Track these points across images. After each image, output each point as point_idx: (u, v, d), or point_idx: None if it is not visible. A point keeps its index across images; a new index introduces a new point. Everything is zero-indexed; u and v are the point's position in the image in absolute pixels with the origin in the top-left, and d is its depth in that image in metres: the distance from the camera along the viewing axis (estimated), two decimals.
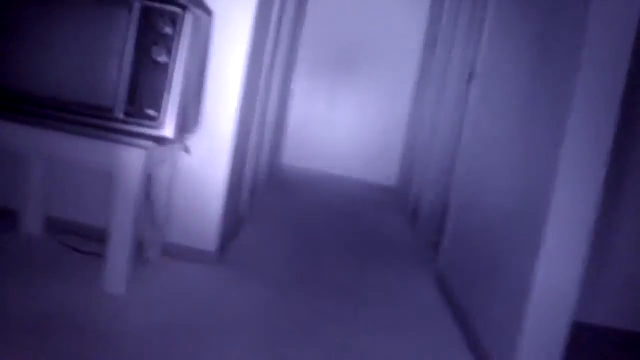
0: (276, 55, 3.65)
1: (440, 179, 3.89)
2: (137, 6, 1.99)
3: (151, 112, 1.99)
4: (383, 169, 5.42)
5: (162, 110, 2.00)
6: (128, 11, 1.98)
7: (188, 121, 2.21)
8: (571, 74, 1.84)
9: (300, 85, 5.35)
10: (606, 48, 1.77)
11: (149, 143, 2.00)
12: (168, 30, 2.00)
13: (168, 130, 2.02)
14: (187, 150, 2.45)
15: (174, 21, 2.00)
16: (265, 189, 4.39)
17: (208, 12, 2.38)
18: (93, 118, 1.98)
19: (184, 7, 2.01)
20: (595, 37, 1.77)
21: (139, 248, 2.43)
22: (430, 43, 4.88)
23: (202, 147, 2.50)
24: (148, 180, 2.36)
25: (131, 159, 1.96)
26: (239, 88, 2.50)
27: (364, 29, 5.33)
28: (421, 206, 4.01)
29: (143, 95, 1.99)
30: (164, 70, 2.00)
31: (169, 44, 2.00)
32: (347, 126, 5.44)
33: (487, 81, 2.94)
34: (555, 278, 1.84)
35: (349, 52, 5.37)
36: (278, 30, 3.43)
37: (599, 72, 1.78)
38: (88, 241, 2.52)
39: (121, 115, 1.99)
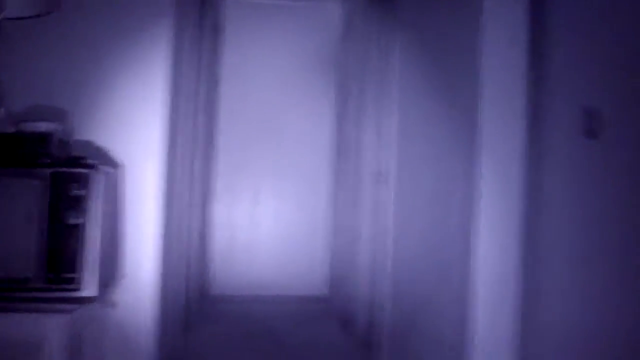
0: (192, 190, 3.74)
1: (368, 280, 3.98)
2: (47, 174, 2.05)
3: (71, 275, 2.01)
4: (313, 280, 5.46)
5: (81, 271, 2.02)
6: (40, 180, 2.04)
7: (109, 276, 2.24)
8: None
9: (219, 209, 5.42)
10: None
11: (72, 306, 2.01)
12: (78, 191, 2.06)
13: (90, 289, 2.04)
14: (113, 304, 2.45)
15: (85, 182, 2.07)
16: (198, 320, 4.34)
17: (115, 165, 2.46)
18: (12, 292, 1.97)
19: (92, 167, 2.09)
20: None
21: None
22: (340, 144, 5.10)
23: (128, 297, 2.50)
24: (78, 344, 2.33)
25: (56, 325, 1.95)
26: (157, 231, 2.56)
27: (275, 140, 5.51)
28: (353, 310, 4.06)
29: (61, 260, 2.02)
30: (77, 231, 2.05)
31: (80, 205, 2.06)
32: (271, 244, 5.51)
33: (400, 180, 3.11)
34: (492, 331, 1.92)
35: (265, 165, 5.51)
36: (192, 167, 3.54)
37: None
38: None
39: (40, 284, 2.00)
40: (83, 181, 2.06)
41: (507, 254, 2.00)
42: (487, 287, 1.98)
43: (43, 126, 2.21)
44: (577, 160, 2.27)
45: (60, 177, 2.06)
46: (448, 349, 2.15)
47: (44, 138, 2.15)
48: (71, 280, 2.01)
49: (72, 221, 2.03)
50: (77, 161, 2.12)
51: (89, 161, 2.13)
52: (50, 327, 1.94)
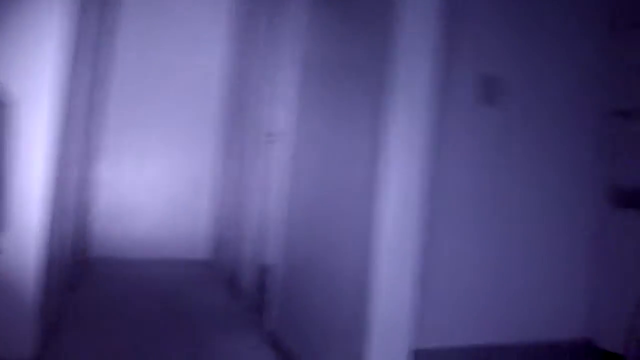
0: (76, 142, 3.55)
1: (255, 242, 3.99)
2: None
3: None
4: (198, 244, 5.40)
5: None
6: None
7: None
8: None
9: (104, 167, 5.19)
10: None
11: None
12: None
13: None
14: None
15: None
16: (77, 282, 4.16)
17: (3, 104, 2.29)
18: None
19: None
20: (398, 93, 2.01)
21: None
22: (231, 102, 5.04)
23: (12, 243, 2.35)
24: None
25: None
26: (47, 176, 2.41)
27: (163, 100, 5.35)
28: (239, 273, 4.06)
29: None
30: None
31: None
32: (155, 206, 5.36)
33: (297, 139, 3.12)
34: (389, 309, 1.99)
35: (152, 126, 5.35)
36: (78, 115, 3.35)
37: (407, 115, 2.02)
38: None
39: None
40: None
41: (410, 208, 2.07)
42: (390, 242, 2.04)
43: None
44: (475, 122, 2.41)
45: None
46: (346, 303, 2.21)
47: None
48: None
49: None
50: None
51: None
52: None
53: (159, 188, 5.39)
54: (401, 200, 2.06)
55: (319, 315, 2.47)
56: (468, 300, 2.55)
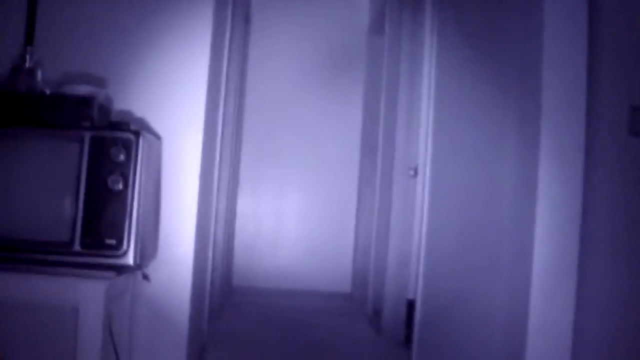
0: (222, 173, 3.66)
1: (398, 275, 3.88)
2: (88, 137, 1.97)
3: (111, 241, 1.93)
4: (336, 276, 5.37)
5: (122, 238, 1.94)
6: (80, 143, 1.95)
7: (147, 248, 2.14)
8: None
9: (244, 199, 5.34)
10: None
11: (110, 274, 1.92)
12: (122, 157, 1.97)
13: (129, 258, 1.95)
14: (147, 277, 2.36)
15: (127, 148, 1.98)
16: (221, 310, 4.25)
17: (158, 136, 2.38)
18: (50, 254, 1.89)
19: (136, 133, 2.00)
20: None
21: None
22: (369, 138, 5.02)
23: (162, 273, 2.41)
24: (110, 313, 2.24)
25: (93, 291, 1.86)
26: (195, 211, 2.47)
27: (301, 131, 5.44)
28: (382, 306, 3.96)
29: (101, 226, 1.93)
30: (120, 197, 1.96)
31: (124, 171, 1.97)
32: (295, 238, 5.42)
33: (435, 175, 3.03)
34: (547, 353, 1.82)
35: (291, 156, 5.44)
36: (222, 148, 3.46)
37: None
38: None
39: (79, 248, 1.91)
40: (126, 147, 1.97)
41: (564, 251, 1.91)
42: (544, 286, 1.89)
43: (84, 89, 2.13)
44: (622, 157, 2.19)
45: (101, 142, 1.97)
46: (497, 343, 2.06)
47: (86, 101, 2.06)
48: (110, 247, 1.92)
49: (114, 187, 1.94)
50: (120, 126, 2.04)
51: (132, 127, 2.05)
52: (87, 294, 1.85)
53: (299, 219, 5.45)
54: (557, 236, 1.89)
55: (467, 352, 2.31)
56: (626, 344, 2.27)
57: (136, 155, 1.98)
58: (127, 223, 1.94)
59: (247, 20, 4.95)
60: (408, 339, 3.51)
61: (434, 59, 3.20)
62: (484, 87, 2.52)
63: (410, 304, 3.54)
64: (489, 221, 2.31)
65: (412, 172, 3.63)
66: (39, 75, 2.21)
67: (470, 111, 2.64)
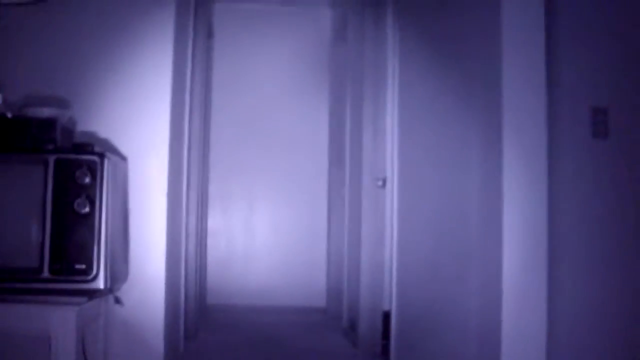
0: (190, 191, 3.62)
1: (372, 288, 3.87)
2: (52, 160, 1.93)
3: (80, 266, 1.89)
4: (310, 291, 5.34)
5: (91, 262, 1.90)
6: (44, 166, 1.92)
7: (117, 271, 2.11)
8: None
9: (213, 215, 5.29)
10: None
11: (81, 299, 1.88)
12: (87, 180, 1.94)
13: (99, 282, 1.91)
14: (119, 301, 2.32)
15: (93, 170, 1.95)
16: (197, 329, 4.20)
17: (123, 157, 2.35)
18: (19, 282, 1.84)
19: (101, 155, 1.97)
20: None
21: None
22: (336, 149, 5.02)
23: (134, 295, 2.37)
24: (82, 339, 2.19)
25: (64, 318, 1.82)
26: (164, 230, 2.44)
27: (269, 145, 5.41)
28: (357, 319, 3.95)
29: (70, 250, 1.89)
30: (88, 221, 1.93)
31: (90, 193, 1.94)
32: (268, 253, 5.39)
33: (403, 183, 3.04)
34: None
35: (259, 171, 5.41)
36: (189, 166, 3.42)
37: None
38: None
39: (48, 275, 1.87)
40: (91, 169, 1.94)
41: (533, 255, 1.93)
42: (516, 291, 1.91)
43: (47, 112, 2.10)
44: (586, 159, 2.22)
45: (66, 164, 1.93)
46: (471, 352, 2.07)
47: (49, 124, 2.02)
48: (80, 272, 1.88)
49: (81, 210, 1.91)
50: (84, 148, 2.01)
51: (97, 149, 2.02)
52: (58, 321, 1.81)
53: (271, 234, 5.41)
54: (525, 240, 1.92)
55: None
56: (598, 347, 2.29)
57: (102, 178, 1.95)
58: (95, 247, 1.90)
59: (210, 35, 4.93)
60: (385, 351, 3.50)
61: (397, 66, 3.23)
62: (447, 92, 2.55)
63: (386, 315, 3.54)
64: (459, 229, 2.33)
65: (380, 183, 3.64)
66: (0, 98, 2.17)
67: (435, 118, 2.67)
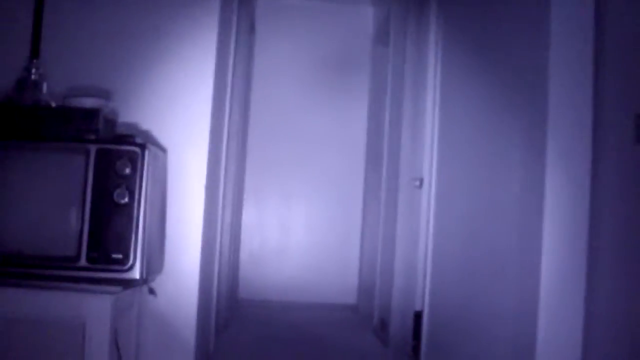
0: (227, 185, 3.64)
1: (405, 287, 3.84)
2: (94, 150, 1.95)
3: (117, 255, 1.91)
4: (342, 288, 5.32)
5: (128, 252, 1.92)
6: (85, 156, 1.94)
7: (153, 262, 2.13)
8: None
9: (248, 210, 5.30)
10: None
11: (116, 288, 1.90)
12: (127, 170, 1.96)
13: (135, 272, 1.93)
14: (153, 292, 2.34)
15: (133, 161, 1.97)
16: (228, 323, 4.22)
17: (163, 149, 2.37)
18: (57, 270, 1.87)
19: (142, 146, 1.99)
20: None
21: None
22: (374, 148, 4.99)
23: (168, 287, 2.39)
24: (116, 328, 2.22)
25: (99, 307, 1.84)
26: (201, 223, 2.45)
27: (306, 142, 5.40)
28: (388, 318, 3.93)
29: (107, 240, 1.91)
30: (126, 211, 1.94)
31: (129, 184, 1.96)
32: (301, 249, 5.38)
33: (441, 185, 3.01)
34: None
35: (296, 167, 5.41)
36: (227, 159, 3.44)
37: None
38: None
39: (85, 263, 1.89)
40: (132, 160, 1.96)
41: (572, 260, 1.88)
42: (553, 296, 1.87)
43: (90, 102, 2.13)
44: (628, 165, 2.16)
45: (107, 154, 1.95)
46: (505, 353, 2.03)
47: (91, 114, 2.05)
48: (117, 261, 1.90)
49: (120, 200, 1.93)
50: (125, 139, 2.03)
51: (138, 140, 2.03)
52: (93, 309, 1.83)
53: (305, 230, 5.41)
54: (565, 245, 1.87)
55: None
56: None
57: (142, 168, 1.96)
58: (133, 237, 1.92)
59: (252, 30, 4.95)
60: (415, 351, 3.47)
61: (439, 68, 3.19)
62: (489, 96, 2.50)
63: (418, 316, 3.50)
64: (496, 231, 2.29)
65: (417, 183, 3.61)
66: (45, 88, 2.21)
67: (475, 120, 2.63)
